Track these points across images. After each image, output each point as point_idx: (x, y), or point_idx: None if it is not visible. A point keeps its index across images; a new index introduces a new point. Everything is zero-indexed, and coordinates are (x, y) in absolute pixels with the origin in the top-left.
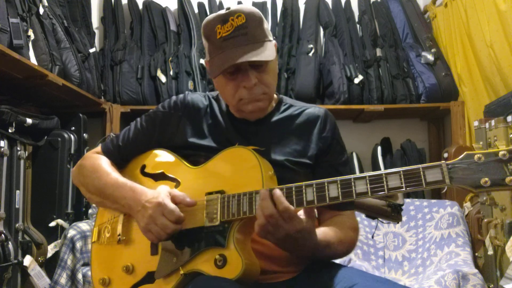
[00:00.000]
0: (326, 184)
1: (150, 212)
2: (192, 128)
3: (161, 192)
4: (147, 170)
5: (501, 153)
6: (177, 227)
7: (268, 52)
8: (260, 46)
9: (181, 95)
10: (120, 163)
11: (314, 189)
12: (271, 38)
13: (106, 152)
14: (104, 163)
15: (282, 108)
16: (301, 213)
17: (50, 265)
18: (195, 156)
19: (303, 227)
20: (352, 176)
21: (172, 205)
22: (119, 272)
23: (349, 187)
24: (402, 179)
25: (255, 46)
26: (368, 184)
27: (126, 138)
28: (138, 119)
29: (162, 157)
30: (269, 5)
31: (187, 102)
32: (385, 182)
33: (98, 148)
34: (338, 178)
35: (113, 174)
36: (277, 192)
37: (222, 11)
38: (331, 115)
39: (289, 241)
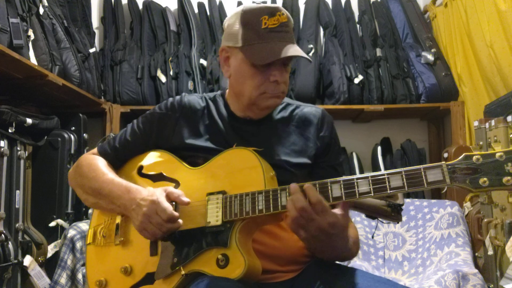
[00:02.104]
0: (329, 184)
1: (144, 210)
2: (189, 129)
3: (157, 191)
4: (144, 171)
5: (498, 154)
6: (172, 225)
7: (304, 52)
8: (296, 46)
9: (177, 97)
10: (117, 165)
11: (317, 189)
12: None
13: (102, 154)
14: (101, 163)
15: (280, 107)
16: (335, 210)
17: (50, 265)
18: (192, 157)
19: (337, 220)
20: (354, 176)
21: (166, 204)
22: (117, 273)
23: (352, 187)
24: (404, 179)
25: (294, 44)
26: (371, 185)
27: (123, 139)
28: (135, 120)
29: (160, 158)
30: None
31: (184, 103)
32: (387, 182)
33: (95, 150)
34: (341, 178)
35: (110, 174)
36: (309, 185)
37: (267, 4)
38: (328, 115)
39: (321, 237)
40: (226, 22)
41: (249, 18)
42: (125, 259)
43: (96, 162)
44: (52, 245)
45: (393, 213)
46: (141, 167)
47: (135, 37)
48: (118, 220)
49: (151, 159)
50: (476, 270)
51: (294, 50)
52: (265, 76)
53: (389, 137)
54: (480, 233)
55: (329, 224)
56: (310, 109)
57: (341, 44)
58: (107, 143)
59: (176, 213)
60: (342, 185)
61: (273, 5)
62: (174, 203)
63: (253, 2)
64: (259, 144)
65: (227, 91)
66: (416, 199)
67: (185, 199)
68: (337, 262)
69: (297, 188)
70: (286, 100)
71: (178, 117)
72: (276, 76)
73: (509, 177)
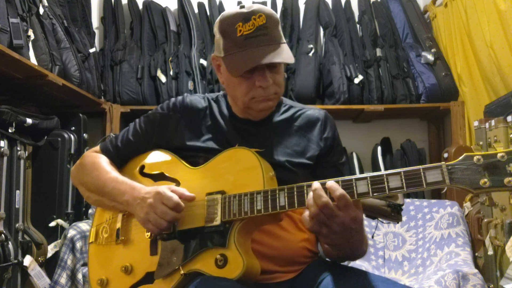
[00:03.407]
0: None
1: (149, 201)
2: (191, 130)
3: (160, 185)
4: (146, 170)
5: (499, 155)
6: (177, 215)
7: (288, 54)
8: (278, 47)
9: (179, 97)
10: (119, 163)
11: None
12: (284, 40)
13: (104, 152)
14: (104, 161)
15: (282, 109)
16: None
17: (50, 265)
18: (193, 157)
19: (358, 215)
20: (353, 176)
21: (170, 193)
22: (118, 272)
23: (351, 187)
24: (403, 180)
25: (275, 47)
26: (370, 185)
27: (125, 139)
28: (137, 120)
29: (162, 157)
30: (269, 5)
31: (186, 104)
32: (386, 183)
33: (97, 147)
34: (340, 178)
35: (113, 172)
36: (332, 181)
37: (243, 9)
38: (331, 117)
39: (343, 232)
40: (213, 30)
41: (225, 27)
42: (126, 258)
43: (99, 161)
44: (52, 245)
45: (393, 213)
46: (142, 167)
47: (135, 37)
48: (119, 219)
49: (153, 158)
50: (476, 270)
51: (270, 56)
52: (251, 82)
53: (389, 137)
54: (480, 233)
55: (351, 218)
56: (313, 111)
57: (341, 44)
58: (109, 141)
59: (182, 202)
60: (340, 185)
61: (249, 9)
62: None
63: (253, 2)
64: (261, 144)
65: None
66: (416, 199)
67: (190, 194)
68: (338, 262)
69: (319, 184)
70: (289, 102)
71: (180, 117)
72: (260, 82)
73: (510, 178)
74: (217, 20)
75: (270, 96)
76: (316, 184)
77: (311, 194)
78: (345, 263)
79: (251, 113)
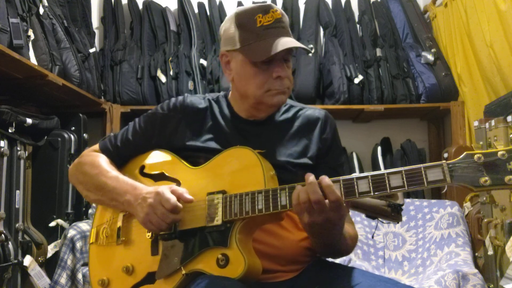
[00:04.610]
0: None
1: (150, 201)
2: (191, 130)
3: (161, 186)
4: (146, 170)
5: (500, 153)
6: (175, 216)
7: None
8: (293, 39)
9: (180, 97)
10: (118, 163)
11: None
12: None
13: (104, 151)
14: (103, 161)
15: (283, 109)
16: None
17: (50, 265)
18: (194, 157)
19: (344, 213)
20: (354, 175)
21: (169, 195)
22: (119, 272)
23: (352, 186)
24: (404, 179)
25: (292, 38)
26: (371, 183)
27: (125, 138)
28: (137, 119)
29: (162, 157)
30: None
31: (186, 104)
32: (387, 181)
33: (96, 146)
34: (341, 177)
35: (113, 172)
36: (327, 181)
37: (259, 4)
38: (331, 117)
39: (324, 225)
40: (222, 28)
41: (243, 19)
42: (127, 258)
43: (98, 160)
44: (52, 245)
45: (393, 213)
46: (143, 167)
47: (135, 37)
48: (120, 219)
49: (153, 158)
50: (476, 270)
51: (293, 42)
52: (267, 74)
53: (389, 137)
54: (480, 233)
55: (339, 217)
56: (314, 111)
57: (341, 44)
58: (109, 140)
59: (180, 205)
60: (341, 184)
61: (264, 3)
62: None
63: (253, 2)
64: (261, 144)
65: (230, 92)
66: (416, 199)
67: (188, 197)
68: (338, 262)
69: (314, 179)
70: (290, 102)
71: (181, 118)
72: (278, 72)
73: (511, 176)
74: (231, 15)
75: (284, 89)
76: (311, 178)
77: (307, 187)
78: (345, 262)
79: (262, 109)
